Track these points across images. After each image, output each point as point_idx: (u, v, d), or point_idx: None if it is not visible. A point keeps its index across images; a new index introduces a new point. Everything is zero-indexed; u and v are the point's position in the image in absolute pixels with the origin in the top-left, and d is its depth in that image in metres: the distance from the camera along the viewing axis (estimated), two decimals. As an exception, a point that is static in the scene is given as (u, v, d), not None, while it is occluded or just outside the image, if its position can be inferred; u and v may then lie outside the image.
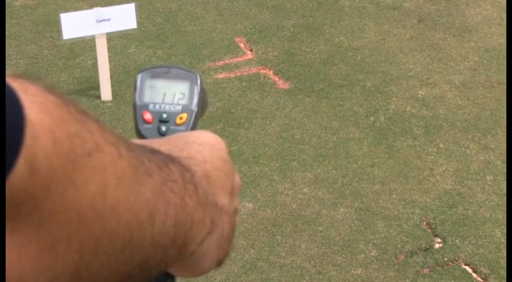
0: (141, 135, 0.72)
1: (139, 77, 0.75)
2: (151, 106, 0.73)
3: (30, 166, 0.39)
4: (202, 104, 0.76)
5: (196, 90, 0.75)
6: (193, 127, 0.73)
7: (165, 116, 0.72)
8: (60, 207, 0.41)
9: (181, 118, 0.73)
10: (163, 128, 0.72)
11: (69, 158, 0.41)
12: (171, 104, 0.73)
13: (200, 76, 0.76)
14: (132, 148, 0.49)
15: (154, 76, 0.75)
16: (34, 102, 0.41)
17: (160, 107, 0.73)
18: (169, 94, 0.74)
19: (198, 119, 0.75)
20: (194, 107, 0.74)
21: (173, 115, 0.73)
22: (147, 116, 0.73)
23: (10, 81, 0.40)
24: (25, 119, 0.39)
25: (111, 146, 0.46)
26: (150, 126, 0.72)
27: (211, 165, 0.62)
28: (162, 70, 0.76)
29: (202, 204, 0.57)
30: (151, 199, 0.49)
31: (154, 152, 0.55)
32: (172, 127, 0.72)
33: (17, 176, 0.38)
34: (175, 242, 0.53)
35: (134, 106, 0.74)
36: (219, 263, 0.63)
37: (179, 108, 0.73)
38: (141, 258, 0.49)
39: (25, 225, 0.40)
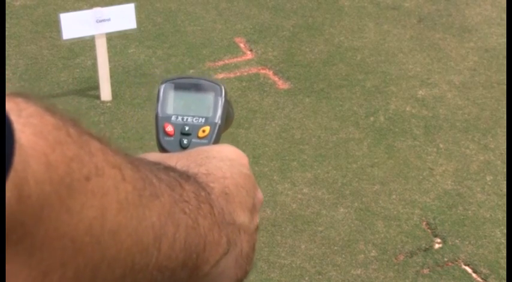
0: (162, 148, 0.70)
1: (162, 87, 0.73)
2: (173, 118, 0.71)
3: (19, 193, 0.37)
4: (227, 116, 0.73)
5: (221, 102, 0.72)
6: (217, 140, 0.71)
7: (187, 128, 0.70)
8: (53, 234, 0.39)
9: (204, 131, 0.70)
10: (185, 141, 0.70)
11: (64, 183, 0.39)
12: (193, 116, 0.71)
13: (225, 87, 0.73)
14: (140, 168, 0.47)
15: (178, 87, 0.73)
16: (28, 125, 0.39)
17: (182, 119, 0.71)
18: (193, 106, 0.72)
19: (222, 132, 0.72)
20: (218, 119, 0.71)
21: (196, 128, 0.70)
22: (169, 128, 0.70)
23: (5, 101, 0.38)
24: (15, 143, 0.37)
25: (114, 169, 0.43)
26: (171, 138, 0.70)
27: (231, 181, 0.59)
28: (185, 81, 0.73)
29: (217, 224, 0.55)
30: (157, 222, 0.47)
31: (167, 170, 0.53)
32: (194, 140, 0.70)
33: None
34: (185, 265, 0.51)
35: (156, 118, 0.71)
36: None
37: (202, 120, 0.71)
38: None
39: (14, 253, 0.38)
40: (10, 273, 0.39)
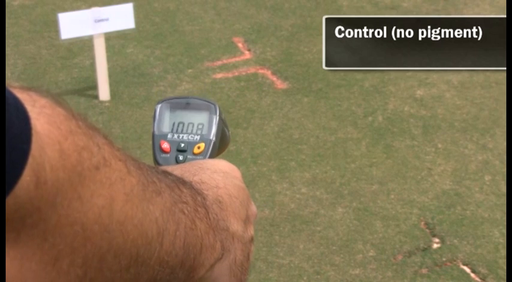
0: (158, 165, 0.72)
1: (158, 107, 0.76)
2: (169, 136, 0.74)
3: (36, 178, 0.38)
4: (222, 136, 0.76)
5: (215, 120, 0.75)
6: (211, 157, 0.74)
7: (182, 145, 0.73)
8: (65, 221, 0.41)
9: (199, 147, 0.73)
10: (181, 158, 0.73)
11: (76, 171, 0.41)
12: (189, 134, 0.74)
13: (219, 106, 0.77)
14: (142, 167, 0.49)
15: (174, 107, 0.76)
16: (42, 114, 0.40)
17: (178, 136, 0.74)
18: (188, 124, 0.75)
19: (217, 150, 0.75)
20: (212, 136, 0.74)
21: (191, 144, 0.73)
22: (165, 145, 0.73)
23: (19, 93, 0.40)
24: (31, 129, 0.38)
25: (120, 162, 0.45)
26: (167, 155, 0.73)
27: (224, 191, 0.61)
28: (181, 101, 0.77)
29: (212, 228, 0.56)
30: (160, 218, 0.48)
31: (165, 173, 0.54)
32: (190, 156, 0.73)
33: (23, 187, 0.37)
34: (184, 265, 0.52)
35: (153, 136, 0.75)
36: None
37: (197, 137, 0.74)
38: (147, 278, 0.48)
39: (29, 237, 0.40)
40: (25, 257, 0.40)
